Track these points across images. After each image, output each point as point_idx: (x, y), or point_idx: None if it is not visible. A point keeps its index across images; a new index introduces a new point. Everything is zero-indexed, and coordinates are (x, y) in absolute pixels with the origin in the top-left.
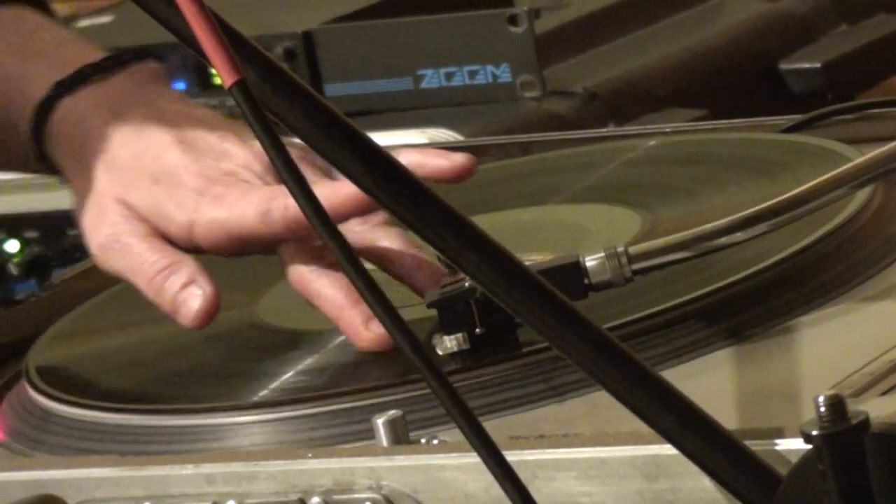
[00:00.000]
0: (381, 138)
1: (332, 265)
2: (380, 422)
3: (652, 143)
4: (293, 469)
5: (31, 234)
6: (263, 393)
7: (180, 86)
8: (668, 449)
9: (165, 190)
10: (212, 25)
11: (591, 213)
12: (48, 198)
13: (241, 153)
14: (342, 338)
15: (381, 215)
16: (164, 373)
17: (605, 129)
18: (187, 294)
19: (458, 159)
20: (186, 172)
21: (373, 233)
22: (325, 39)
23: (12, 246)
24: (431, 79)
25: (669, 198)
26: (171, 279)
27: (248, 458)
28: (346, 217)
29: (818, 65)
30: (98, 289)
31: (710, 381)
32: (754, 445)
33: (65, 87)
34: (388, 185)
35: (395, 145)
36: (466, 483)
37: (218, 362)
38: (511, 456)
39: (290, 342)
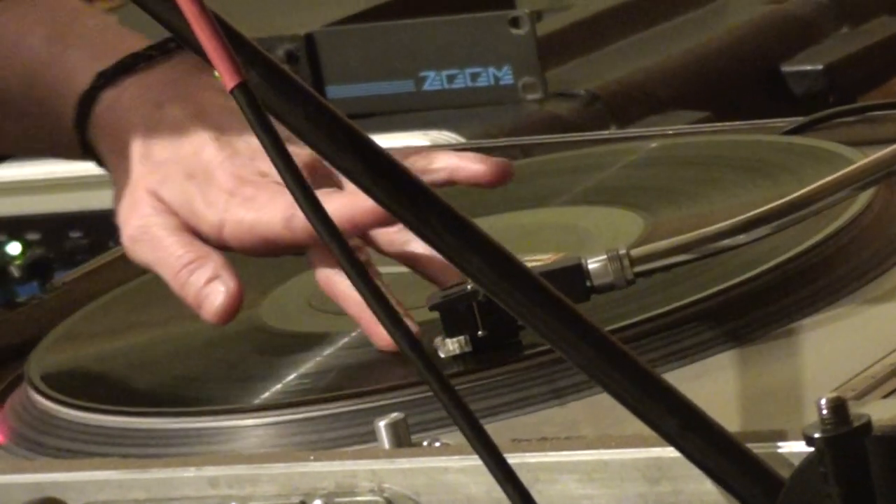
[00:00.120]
0: (383, 140)
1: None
2: (382, 424)
3: (654, 145)
4: (295, 472)
5: (33, 236)
6: (266, 395)
7: None
8: (670, 451)
9: (198, 187)
10: (213, 27)
11: (593, 216)
12: (50, 200)
13: None
14: (344, 340)
15: None
16: (166, 375)
17: (607, 132)
18: (211, 289)
19: (496, 163)
20: (220, 170)
21: (403, 234)
22: (326, 42)
23: (14, 248)
24: (433, 81)
25: (671, 200)
26: (197, 273)
27: (251, 460)
28: (365, 228)
29: (820, 67)
30: (100, 291)
31: (712, 384)
32: (756, 448)
33: (107, 78)
34: (390, 186)
35: (398, 147)
36: (468, 486)
37: (220, 365)
38: (513, 458)
39: (292, 345)
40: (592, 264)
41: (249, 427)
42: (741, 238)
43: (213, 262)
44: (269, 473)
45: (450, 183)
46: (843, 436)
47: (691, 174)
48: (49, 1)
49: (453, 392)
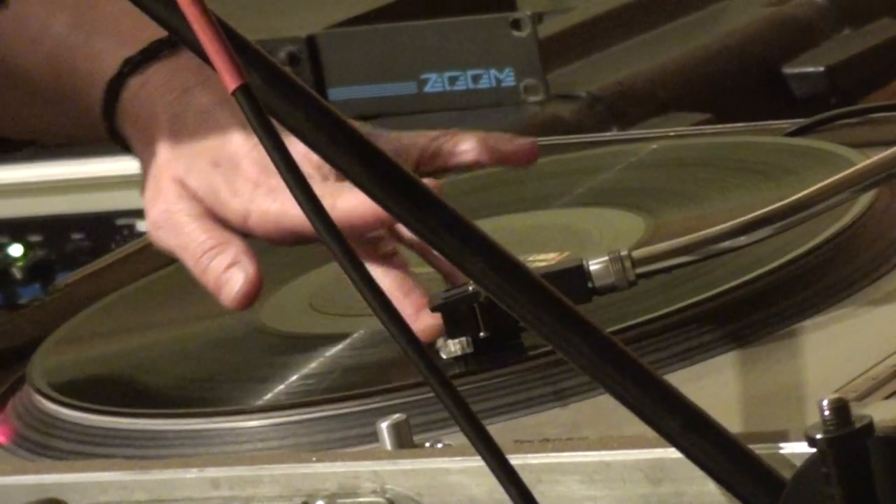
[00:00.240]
0: None
1: (385, 257)
2: (384, 425)
3: (655, 146)
4: (297, 473)
5: (35, 237)
6: (268, 397)
7: None
8: (672, 452)
9: (224, 175)
10: (215, 30)
11: (594, 217)
12: (52, 202)
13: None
14: (346, 341)
15: None
16: (168, 377)
17: (608, 133)
18: (230, 275)
19: (522, 143)
20: (246, 159)
21: None
22: (328, 44)
23: (16, 250)
24: (435, 83)
25: (673, 201)
26: (217, 259)
27: (253, 461)
28: (373, 228)
29: (821, 69)
30: (102, 293)
31: (714, 385)
32: (758, 449)
33: (134, 64)
34: (392, 188)
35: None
36: (470, 487)
37: (222, 366)
38: (515, 460)
39: (294, 346)
40: (594, 266)
41: (251, 428)
42: (743, 240)
43: (234, 248)
44: (271, 474)
45: (478, 164)
46: (845, 437)
47: (693, 176)
48: None
49: (455, 393)
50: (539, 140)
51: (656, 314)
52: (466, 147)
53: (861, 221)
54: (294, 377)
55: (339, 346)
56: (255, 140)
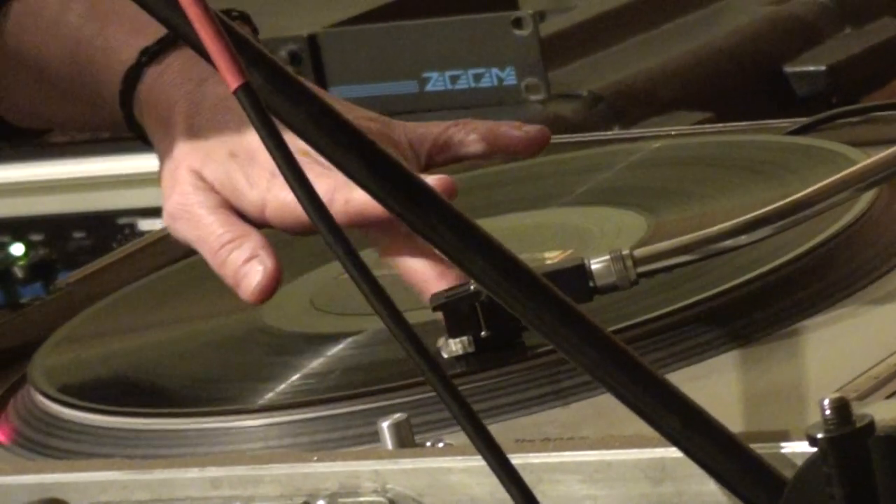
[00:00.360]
0: None
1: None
2: (385, 425)
3: (657, 145)
4: (298, 472)
5: (37, 237)
6: (269, 396)
7: None
8: (673, 452)
9: (241, 166)
10: (216, 28)
11: (595, 216)
12: (53, 201)
13: None
14: (347, 341)
15: None
16: (169, 376)
17: (610, 132)
18: (249, 268)
19: (533, 130)
20: (263, 150)
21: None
22: (330, 43)
23: (17, 249)
24: (436, 82)
25: (674, 201)
26: (236, 253)
27: (254, 461)
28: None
29: (823, 68)
30: (103, 292)
31: (714, 385)
32: (759, 448)
33: (150, 54)
34: (393, 187)
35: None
36: (472, 486)
37: (223, 365)
38: (516, 459)
39: (295, 345)
40: (595, 265)
41: (252, 428)
42: (744, 239)
43: (253, 241)
44: (271, 474)
45: (489, 153)
46: (846, 436)
47: (694, 175)
48: None
49: (456, 392)
50: None
51: (657, 313)
52: (476, 136)
53: (862, 220)
54: (295, 376)
55: (341, 346)
56: None
